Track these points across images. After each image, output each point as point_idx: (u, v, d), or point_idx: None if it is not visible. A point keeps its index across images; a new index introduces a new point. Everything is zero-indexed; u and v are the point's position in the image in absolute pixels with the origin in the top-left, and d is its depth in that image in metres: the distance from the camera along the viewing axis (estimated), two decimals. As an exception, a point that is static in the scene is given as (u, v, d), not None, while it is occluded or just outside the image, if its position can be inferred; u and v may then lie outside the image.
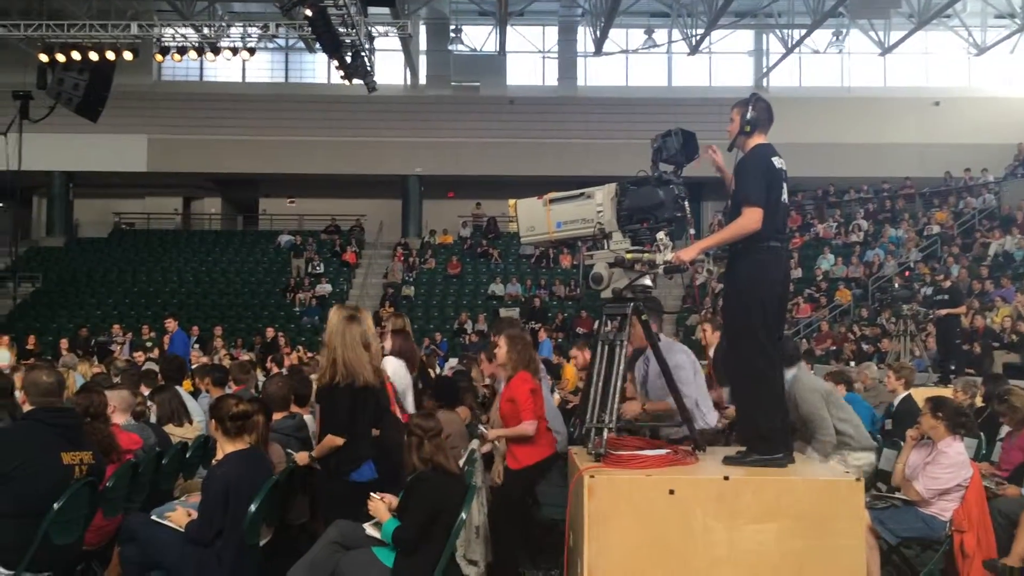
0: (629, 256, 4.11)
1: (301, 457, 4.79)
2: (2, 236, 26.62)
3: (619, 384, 4.14)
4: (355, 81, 17.45)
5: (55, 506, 3.84)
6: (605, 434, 3.99)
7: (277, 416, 5.27)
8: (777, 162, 4.16)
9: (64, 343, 15.93)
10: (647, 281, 4.22)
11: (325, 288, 23.15)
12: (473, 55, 26.71)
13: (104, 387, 5.42)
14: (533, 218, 4.47)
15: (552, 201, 4.40)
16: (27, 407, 4.27)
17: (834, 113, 25.19)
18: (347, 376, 4.44)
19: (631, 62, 27.07)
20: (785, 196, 4.23)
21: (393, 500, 4.22)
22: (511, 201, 4.61)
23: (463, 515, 4.05)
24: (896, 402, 7.34)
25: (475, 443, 5.46)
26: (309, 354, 13.44)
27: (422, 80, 27.07)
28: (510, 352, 5.41)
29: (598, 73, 27.13)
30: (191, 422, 6.43)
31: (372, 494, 4.20)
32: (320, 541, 4.05)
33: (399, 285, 23.35)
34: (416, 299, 23.10)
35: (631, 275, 4.16)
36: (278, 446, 4.91)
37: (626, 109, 25.48)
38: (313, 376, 6.69)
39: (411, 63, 26.13)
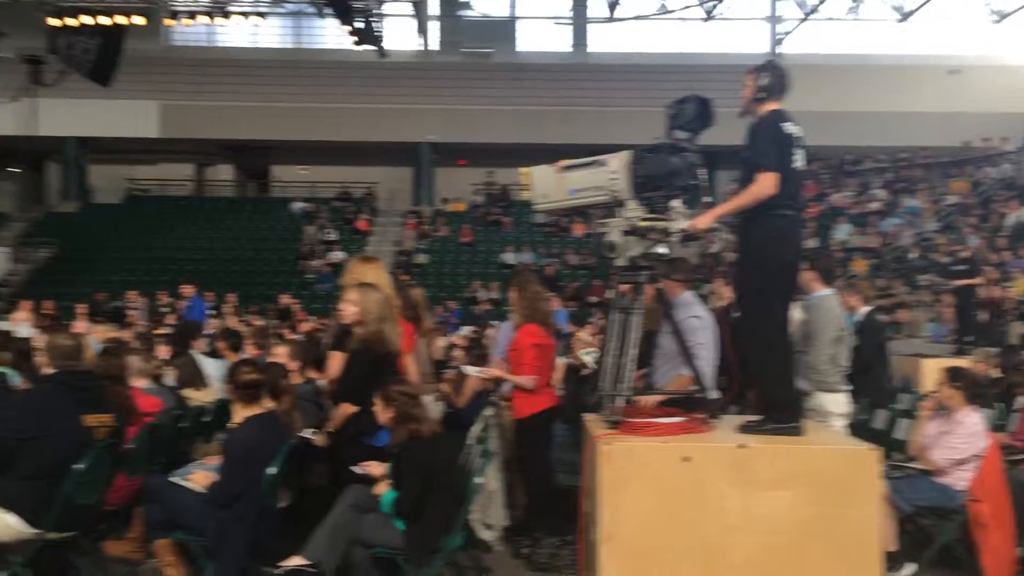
0: (643, 224, 4.09)
1: (319, 440, 4.81)
2: (20, 201, 26.82)
3: (634, 352, 4.16)
4: (365, 47, 17.35)
5: (77, 467, 3.89)
6: (620, 402, 4.01)
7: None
8: (791, 128, 4.11)
9: (82, 308, 16.03)
10: (662, 249, 4.20)
11: (338, 255, 23.18)
12: (484, 20, 26.49)
13: (121, 351, 5.45)
14: (546, 185, 4.45)
15: (565, 168, 4.38)
16: (48, 370, 4.32)
17: (851, 81, 24.85)
18: (373, 344, 4.48)
19: (644, 28, 26.77)
20: (801, 162, 4.18)
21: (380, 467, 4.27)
22: (522, 169, 4.59)
23: (478, 480, 4.10)
24: (858, 317, 6.84)
25: (490, 409, 5.50)
26: (323, 321, 13.47)
27: (433, 46, 26.86)
28: (519, 302, 5.47)
29: (611, 39, 26.85)
30: (207, 386, 6.50)
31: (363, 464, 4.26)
32: (338, 505, 4.11)
33: (412, 253, 23.37)
34: (429, 267, 23.13)
35: (645, 243, 4.14)
36: (298, 412, 4.96)
37: (639, 76, 25.22)
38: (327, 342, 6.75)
39: (422, 29, 25.92)
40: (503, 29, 26.27)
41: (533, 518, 5.35)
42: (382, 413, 4.27)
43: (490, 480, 4.80)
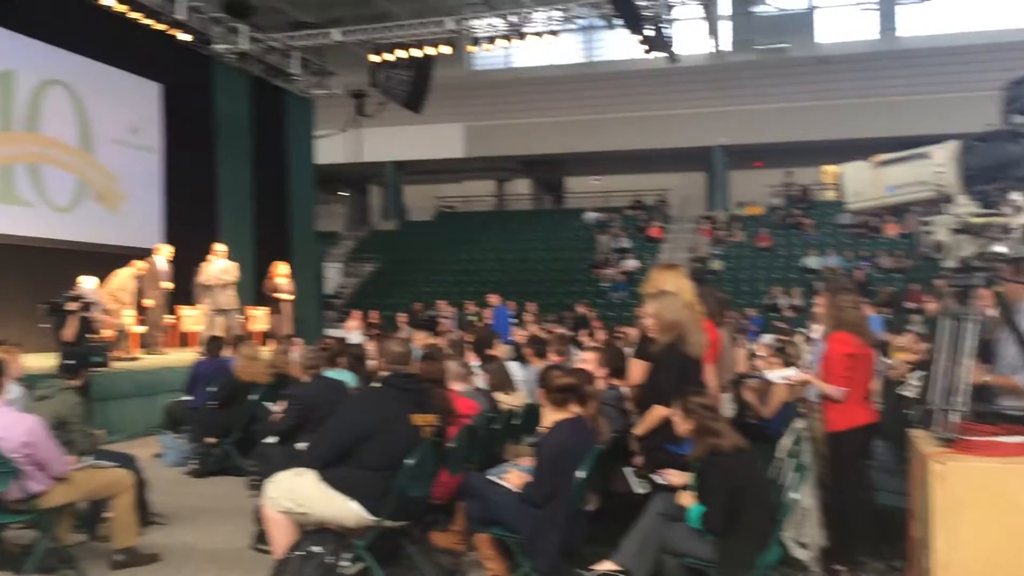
0: (977, 221, 3.70)
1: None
2: (348, 221, 30.08)
3: (968, 363, 3.76)
4: (656, 54, 17.35)
5: (408, 462, 4.25)
6: (954, 418, 3.64)
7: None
8: None
9: (402, 317, 17.62)
10: (1000, 248, 3.76)
11: (631, 263, 23.41)
12: (779, 15, 25.45)
13: (440, 357, 5.89)
14: (860, 183, 4.16)
15: (883, 164, 4.07)
16: (382, 373, 4.76)
17: None
18: (678, 346, 4.48)
19: (960, 6, 24.25)
20: None
21: (681, 477, 4.20)
22: (827, 167, 4.32)
23: (794, 495, 3.92)
24: None
25: (801, 421, 5.24)
26: (620, 329, 13.65)
27: (725, 46, 26.27)
28: (827, 309, 5.17)
29: (922, 21, 24.64)
30: (515, 390, 6.83)
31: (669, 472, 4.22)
32: (647, 513, 4.12)
33: (706, 259, 23.00)
34: (724, 273, 22.62)
35: (980, 242, 3.74)
36: (604, 417, 5.05)
37: (956, 59, 22.93)
38: (629, 349, 6.82)
39: (713, 30, 25.44)
40: (800, 21, 25.08)
41: (851, 540, 5.01)
42: (681, 424, 4.23)
43: (804, 496, 4.57)
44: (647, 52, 17.06)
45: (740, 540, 3.91)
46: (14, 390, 5.43)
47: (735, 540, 3.92)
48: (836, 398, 4.93)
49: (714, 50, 26.24)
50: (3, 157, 12.69)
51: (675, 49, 17.85)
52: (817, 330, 6.48)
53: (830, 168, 4.33)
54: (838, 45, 25.21)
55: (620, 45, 27.53)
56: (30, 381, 6.56)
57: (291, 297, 13.78)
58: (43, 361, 8.20)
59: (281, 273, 13.77)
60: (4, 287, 11.96)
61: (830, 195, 5.17)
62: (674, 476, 4.24)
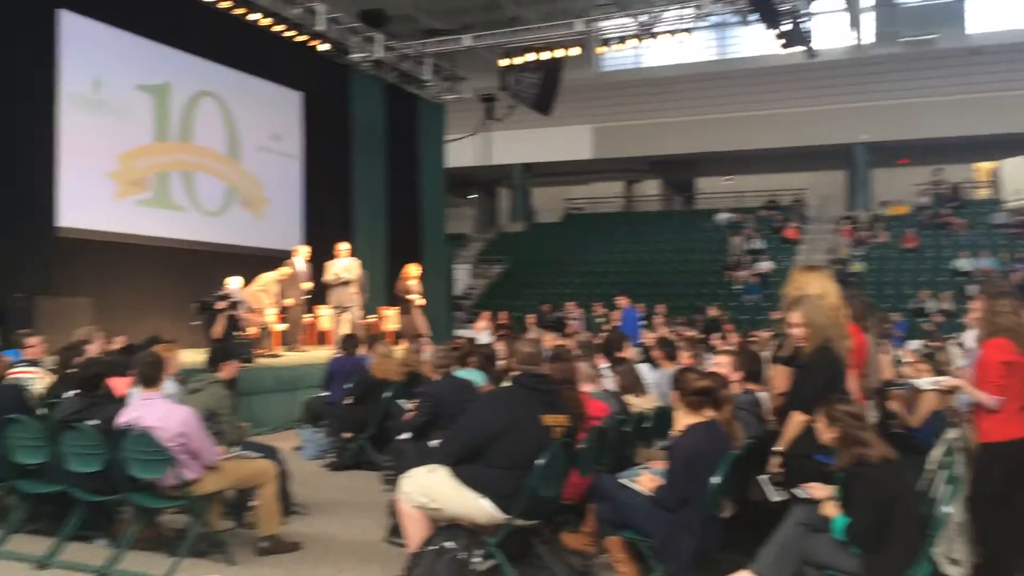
0: None
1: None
2: (477, 224, 30.54)
3: None
4: (793, 49, 16.78)
5: (539, 461, 4.25)
6: None
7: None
8: None
9: (530, 318, 17.73)
10: None
11: (765, 265, 22.73)
12: (926, 5, 24.16)
13: (571, 357, 5.86)
14: (1020, 180, 3.87)
15: (1047, 158, 3.78)
16: (513, 373, 4.77)
17: None
18: (828, 350, 4.29)
19: None
20: None
21: (825, 490, 4.00)
22: (980, 164, 4.03)
23: (946, 509, 3.68)
24: None
25: (953, 432, 4.93)
26: (754, 333, 13.26)
27: (867, 39, 25.15)
28: (983, 314, 4.83)
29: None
30: (646, 393, 6.73)
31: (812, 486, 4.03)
32: (787, 522, 3.96)
33: (846, 261, 22.07)
34: (866, 276, 21.64)
35: None
36: (738, 422, 4.90)
37: None
38: (764, 353, 6.61)
39: (855, 22, 24.41)
40: (949, 12, 23.71)
41: (1008, 559, 4.67)
42: (824, 432, 4.04)
43: (956, 510, 4.29)
44: (784, 47, 16.52)
45: (888, 554, 3.71)
46: (170, 386, 5.76)
47: (882, 554, 3.72)
48: (990, 407, 4.62)
49: (855, 43, 25.16)
50: (160, 165, 13.53)
51: (814, 43, 17.21)
52: (970, 336, 6.09)
53: (984, 165, 4.04)
54: (990, 35, 23.70)
55: (754, 41, 26.84)
56: (183, 375, 6.96)
57: (422, 300, 14.08)
58: (194, 356, 8.67)
59: (412, 275, 14.09)
60: (159, 287, 12.76)
61: (983, 193, 4.84)
62: (818, 490, 4.05)
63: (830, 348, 4.31)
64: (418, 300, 13.96)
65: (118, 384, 5.94)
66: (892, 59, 24.31)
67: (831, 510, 3.90)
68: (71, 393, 5.71)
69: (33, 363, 7.63)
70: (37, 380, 7.30)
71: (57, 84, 11.84)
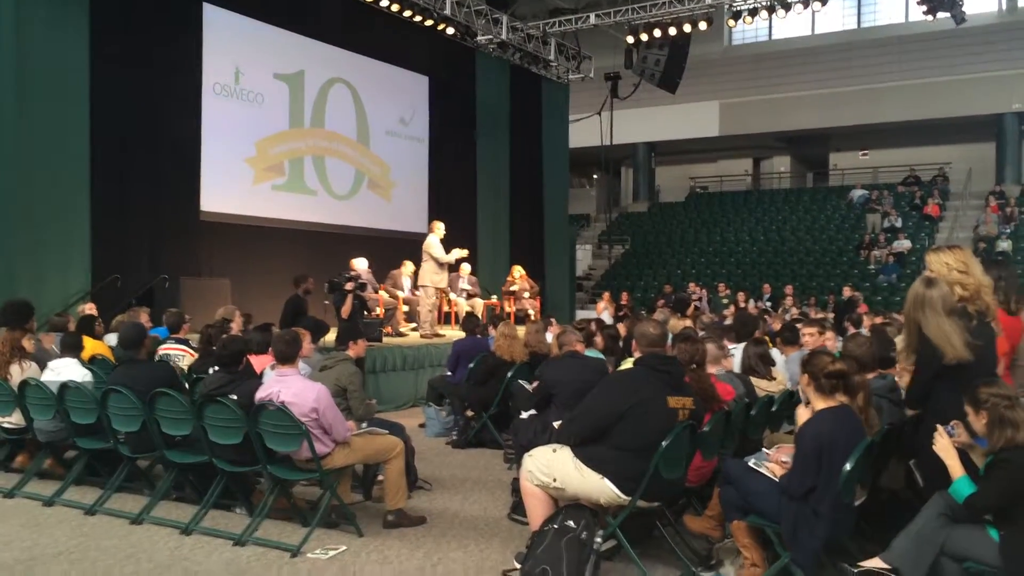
0: None
1: None
2: (599, 204, 30.35)
3: None
4: (939, 15, 15.82)
5: (663, 444, 4.19)
6: None
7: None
8: None
9: (658, 300, 17.53)
10: None
11: (904, 244, 21.63)
12: (1089, -39, 22.30)
13: (699, 339, 5.74)
14: None
15: None
16: (637, 354, 4.72)
17: None
18: (930, 350, 4.03)
19: None
20: None
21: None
22: None
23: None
24: None
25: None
26: (890, 315, 12.65)
27: (1022, 2, 23.45)
28: None
29: None
30: (774, 377, 6.53)
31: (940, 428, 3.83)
32: (926, 512, 3.77)
33: (993, 239, 20.75)
34: (1015, 254, 20.29)
35: None
36: (873, 409, 4.69)
37: None
38: (898, 338, 6.30)
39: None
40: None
41: None
42: (975, 421, 3.81)
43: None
44: (927, 13, 15.60)
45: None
46: (304, 367, 6.00)
47: (1022, 541, 3.51)
48: None
49: (1009, 6, 23.49)
50: (294, 151, 14.08)
51: (963, 8, 16.16)
52: None
53: None
54: None
55: (896, 8, 25.49)
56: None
57: (533, 300, 14.18)
58: (325, 335, 8.98)
59: (516, 276, 14.25)
60: (291, 268, 13.28)
61: None
62: (950, 457, 3.81)
63: (929, 338, 4.02)
64: (527, 298, 14.06)
65: (258, 362, 6.25)
66: (1048, 21, 22.62)
67: (956, 468, 3.71)
68: (214, 369, 6.04)
69: (182, 341, 8.11)
70: (185, 357, 7.77)
71: (202, 75, 12.48)
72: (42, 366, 6.58)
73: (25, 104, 10.28)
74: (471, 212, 17.18)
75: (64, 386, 5.96)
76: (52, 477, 6.38)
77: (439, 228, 12.31)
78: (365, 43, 15.06)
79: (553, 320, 11.30)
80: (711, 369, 5.64)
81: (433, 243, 12.11)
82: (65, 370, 6.32)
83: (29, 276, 10.17)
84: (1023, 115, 23.43)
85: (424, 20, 15.46)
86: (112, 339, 8.36)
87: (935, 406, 4.11)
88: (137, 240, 11.65)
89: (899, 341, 5.77)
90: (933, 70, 23.73)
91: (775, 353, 7.07)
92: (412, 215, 16.04)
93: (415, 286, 12.66)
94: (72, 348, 6.59)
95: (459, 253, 12.37)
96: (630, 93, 19.73)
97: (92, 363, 7.13)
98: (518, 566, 4.38)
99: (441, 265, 12.13)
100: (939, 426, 3.90)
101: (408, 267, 13.11)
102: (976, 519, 3.67)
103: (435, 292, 12.31)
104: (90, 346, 7.55)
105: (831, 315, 15.26)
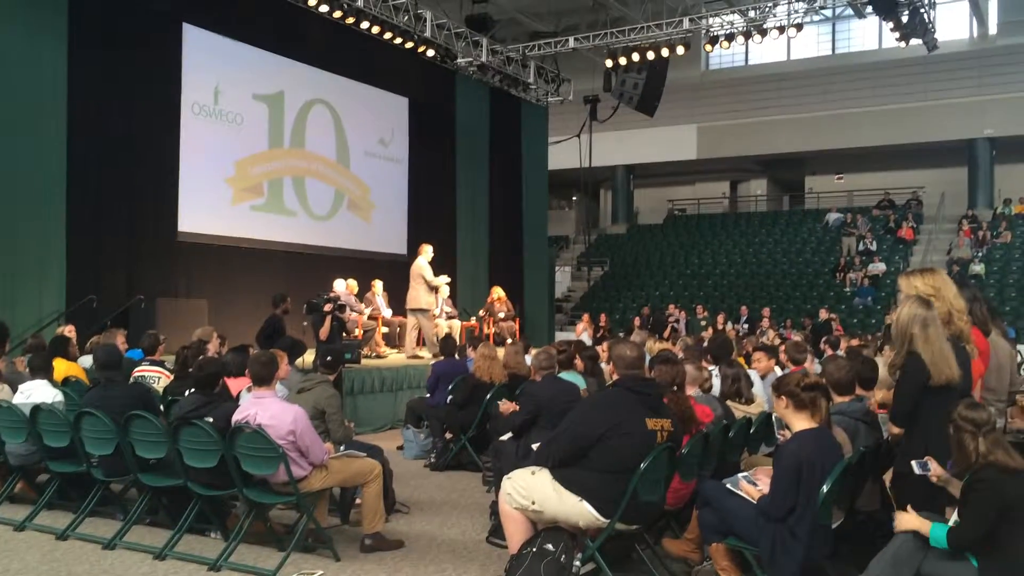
0: None
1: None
2: (578, 226, 30.44)
3: None
4: (912, 42, 16.09)
5: (642, 466, 4.19)
6: None
7: (840, 400, 5.09)
8: None
9: (635, 321, 17.59)
10: None
11: (879, 267, 21.88)
12: (1058, -10, 22.77)
13: (677, 360, 5.76)
14: None
15: None
16: (615, 377, 4.73)
17: None
18: (918, 357, 4.06)
19: None
20: None
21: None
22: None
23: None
24: None
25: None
26: (865, 337, 12.77)
27: (992, 30, 23.92)
28: None
29: None
30: (752, 401, 6.55)
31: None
32: (901, 535, 3.79)
33: (966, 262, 21.02)
34: (987, 278, 20.56)
35: None
36: (840, 430, 4.71)
37: None
38: (879, 359, 6.35)
39: (978, 12, 23.25)
40: (1081, -4, 22.30)
41: None
42: (952, 441, 3.85)
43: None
44: (900, 39, 15.87)
45: (1008, 563, 3.50)
46: (281, 388, 5.95)
47: (1002, 567, 3.52)
48: None
49: (978, 34, 23.96)
50: (273, 171, 14.04)
51: (935, 35, 16.45)
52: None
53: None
54: None
55: (869, 35, 25.91)
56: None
57: (510, 322, 14.17)
58: (303, 355, 8.92)
59: (496, 298, 14.27)
60: (270, 289, 13.19)
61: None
62: (908, 522, 3.81)
63: (919, 355, 4.06)
64: (504, 319, 14.07)
65: (234, 384, 6.19)
66: (1019, 49, 23.03)
67: (910, 523, 3.72)
68: (190, 391, 5.98)
69: (157, 363, 8.03)
70: (160, 379, 7.69)
71: (181, 95, 12.44)
72: (14, 389, 6.49)
73: (1, 123, 10.20)
74: (451, 233, 17.18)
75: (36, 408, 5.88)
76: (24, 501, 6.27)
77: (427, 251, 12.44)
78: (345, 64, 15.09)
79: (528, 344, 11.30)
80: (689, 391, 5.66)
81: (423, 266, 12.23)
82: (36, 392, 6.24)
83: (1, 297, 10.05)
84: (995, 140, 23.81)
85: (404, 42, 15.51)
86: (87, 361, 8.26)
87: (921, 426, 4.12)
88: (113, 260, 11.55)
89: (880, 361, 5.83)
90: (906, 96, 24.11)
91: (753, 374, 7.10)
92: (391, 236, 16.02)
93: (406, 308, 12.69)
94: (41, 370, 6.50)
95: (446, 279, 12.53)
96: (609, 116, 19.88)
97: (66, 385, 7.03)
98: (497, 590, 4.36)
99: (430, 287, 12.22)
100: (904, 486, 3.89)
101: (378, 286, 13.10)
102: (967, 551, 3.65)
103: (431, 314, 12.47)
104: (64, 368, 7.46)
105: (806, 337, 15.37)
